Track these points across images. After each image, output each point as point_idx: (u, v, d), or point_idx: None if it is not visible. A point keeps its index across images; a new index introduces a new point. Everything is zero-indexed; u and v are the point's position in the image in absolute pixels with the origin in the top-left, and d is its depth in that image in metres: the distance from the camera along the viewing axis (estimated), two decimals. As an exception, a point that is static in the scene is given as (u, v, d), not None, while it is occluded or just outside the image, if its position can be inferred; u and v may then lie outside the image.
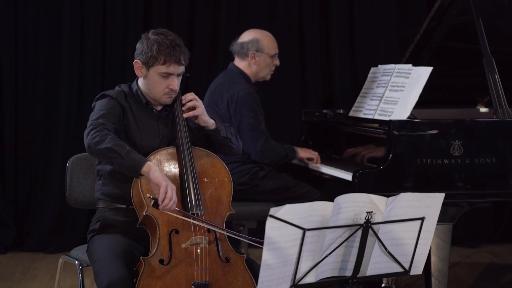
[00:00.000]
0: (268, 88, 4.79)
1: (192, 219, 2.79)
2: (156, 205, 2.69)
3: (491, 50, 3.68)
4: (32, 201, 5.26)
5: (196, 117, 2.98)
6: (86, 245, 3.02)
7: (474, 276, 4.69)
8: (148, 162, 2.73)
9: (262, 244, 2.73)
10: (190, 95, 2.99)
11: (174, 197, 2.70)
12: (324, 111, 4.61)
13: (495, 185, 3.50)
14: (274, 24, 5.23)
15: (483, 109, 4.41)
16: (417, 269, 2.56)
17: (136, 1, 5.20)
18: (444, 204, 2.52)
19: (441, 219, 2.62)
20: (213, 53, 5.31)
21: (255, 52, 4.16)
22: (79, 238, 5.06)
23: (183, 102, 2.98)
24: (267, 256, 2.27)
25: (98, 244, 2.88)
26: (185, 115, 2.97)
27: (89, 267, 3.00)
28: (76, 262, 3.13)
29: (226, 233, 2.84)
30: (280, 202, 3.22)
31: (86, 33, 5.21)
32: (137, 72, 2.97)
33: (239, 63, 4.21)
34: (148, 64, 2.90)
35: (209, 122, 3.01)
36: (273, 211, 2.24)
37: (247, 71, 4.19)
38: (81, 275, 3.10)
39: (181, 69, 2.92)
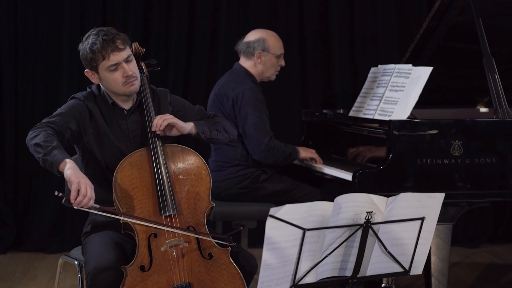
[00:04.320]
0: (268, 88, 4.78)
1: (124, 217, 2.75)
2: (67, 202, 2.61)
3: (491, 50, 3.68)
4: (32, 201, 5.26)
5: (176, 130, 2.95)
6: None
7: (474, 276, 4.69)
8: (66, 160, 2.65)
9: (225, 240, 2.73)
10: (158, 120, 2.90)
11: (89, 194, 2.62)
12: (324, 111, 4.60)
13: (495, 185, 3.50)
14: (274, 24, 5.22)
15: (483, 109, 4.41)
16: (417, 269, 2.56)
17: (136, 1, 5.20)
18: (444, 204, 2.52)
19: (441, 219, 2.62)
20: (213, 53, 5.30)
21: (261, 51, 4.14)
22: (79, 238, 4.98)
23: (157, 130, 2.89)
24: (267, 256, 2.27)
25: (90, 242, 2.89)
26: (168, 134, 2.94)
27: (88, 267, 3.00)
28: (76, 262, 3.14)
29: (188, 234, 2.80)
30: (280, 204, 3.21)
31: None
32: (93, 81, 2.97)
33: (244, 62, 4.20)
34: (93, 67, 2.90)
35: (188, 128, 2.98)
36: (273, 211, 2.25)
37: (252, 70, 4.18)
38: (81, 275, 3.10)
39: (124, 54, 2.89)
